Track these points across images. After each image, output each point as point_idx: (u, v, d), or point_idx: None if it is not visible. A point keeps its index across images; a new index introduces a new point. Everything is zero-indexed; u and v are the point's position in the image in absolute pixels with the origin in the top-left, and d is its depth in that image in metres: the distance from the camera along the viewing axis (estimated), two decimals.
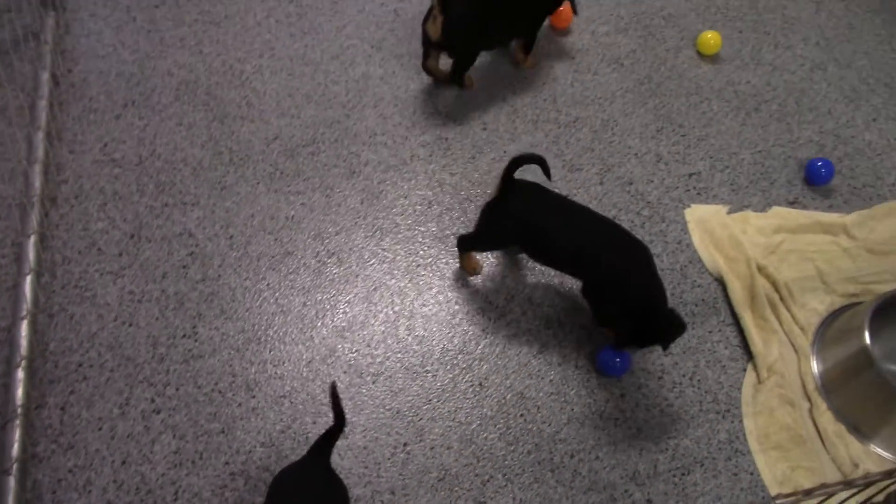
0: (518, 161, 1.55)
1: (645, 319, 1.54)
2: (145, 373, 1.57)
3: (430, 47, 1.94)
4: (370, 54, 2.11)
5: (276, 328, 1.65)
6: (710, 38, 2.16)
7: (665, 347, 1.55)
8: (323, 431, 1.32)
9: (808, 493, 0.77)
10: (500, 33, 1.99)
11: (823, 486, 0.76)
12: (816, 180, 1.95)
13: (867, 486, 0.83)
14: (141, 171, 1.84)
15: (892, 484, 0.87)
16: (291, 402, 1.56)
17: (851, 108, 2.14)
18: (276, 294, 1.69)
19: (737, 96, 2.12)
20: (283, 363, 1.61)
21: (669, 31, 2.25)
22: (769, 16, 2.33)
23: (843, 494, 1.24)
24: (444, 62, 2.00)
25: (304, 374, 1.60)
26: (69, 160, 1.84)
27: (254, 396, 1.57)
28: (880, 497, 0.88)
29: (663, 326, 1.53)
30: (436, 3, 1.81)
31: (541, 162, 1.56)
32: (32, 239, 1.64)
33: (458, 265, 1.76)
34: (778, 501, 0.78)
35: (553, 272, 1.75)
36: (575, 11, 2.07)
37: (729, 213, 1.89)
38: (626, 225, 1.84)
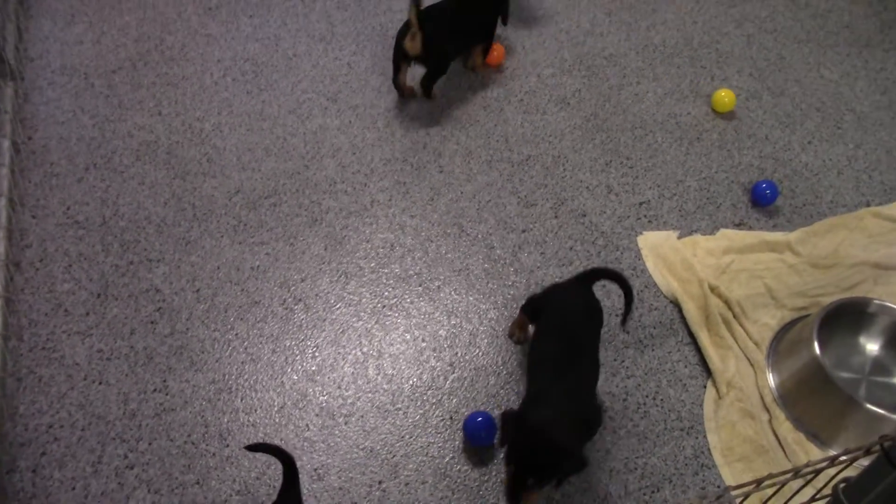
0: (599, 274, 1.64)
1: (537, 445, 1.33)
2: (117, 429, 1.58)
3: (402, 62, 2.12)
4: (326, 106, 2.18)
5: (246, 377, 1.67)
6: (724, 97, 2.25)
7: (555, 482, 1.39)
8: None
9: (759, 483, 0.82)
10: (468, 40, 2.22)
11: (771, 475, 0.81)
12: (763, 201, 2.04)
13: (815, 474, 0.88)
14: (105, 231, 1.87)
15: (839, 474, 0.93)
16: None
17: (787, 133, 2.25)
18: (245, 343, 1.72)
19: (679, 127, 2.23)
20: (255, 411, 1.63)
21: (611, 70, 2.36)
22: (704, 51, 2.46)
23: (794, 486, 1.29)
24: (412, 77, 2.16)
25: (277, 420, 1.62)
26: (32, 225, 1.86)
27: (227, 445, 1.58)
28: (828, 489, 0.93)
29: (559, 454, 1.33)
30: (413, 22, 1.98)
31: (624, 287, 1.63)
32: None
33: (423, 303, 1.81)
34: (732, 492, 0.82)
35: (514, 308, 1.81)
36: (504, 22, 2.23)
37: (679, 237, 1.97)
38: (582, 256, 1.91)
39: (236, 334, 1.73)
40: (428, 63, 2.12)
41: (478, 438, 1.59)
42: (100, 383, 1.64)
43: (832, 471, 0.93)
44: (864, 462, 0.82)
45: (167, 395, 1.64)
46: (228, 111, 2.14)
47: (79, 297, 1.76)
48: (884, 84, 2.42)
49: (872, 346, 1.77)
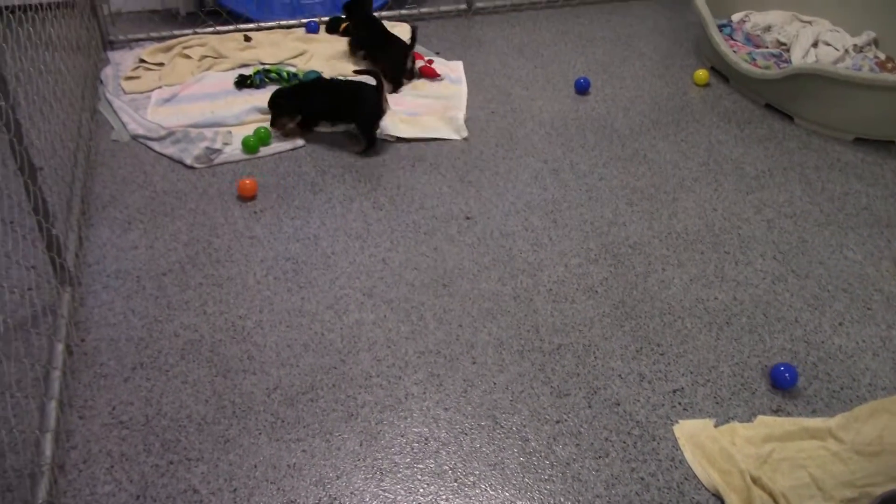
0: None
1: None
2: None
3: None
4: (362, 301, 2.27)
5: None
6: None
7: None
8: None
9: None
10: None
11: None
12: (783, 384, 2.03)
13: None
14: (147, 430, 1.91)
15: None
16: None
17: (817, 315, 2.27)
18: None
19: (707, 312, 2.27)
20: None
21: (636, 258, 2.44)
22: (726, 236, 2.54)
23: None
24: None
25: None
26: (79, 426, 1.92)
27: None
28: None
29: None
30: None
31: None
32: None
33: (458, 500, 1.79)
34: None
35: (542, 475, 1.78)
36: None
37: (716, 425, 1.95)
38: (618, 446, 1.90)
39: None
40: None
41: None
42: None
43: None
44: None
45: None
46: (269, 309, 2.24)
47: (119, 498, 1.78)
48: None
49: None
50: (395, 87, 3.33)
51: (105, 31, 3.54)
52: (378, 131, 2.96)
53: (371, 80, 2.91)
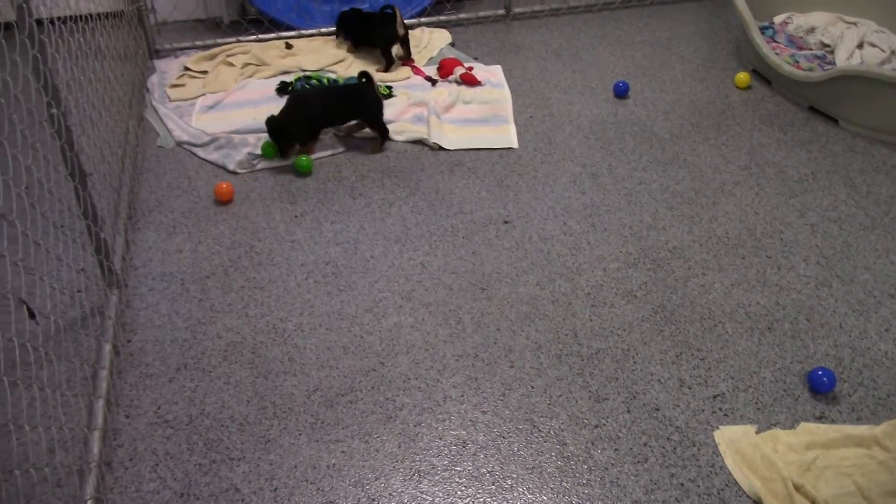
0: None
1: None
2: None
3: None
4: (401, 305, 2.29)
5: None
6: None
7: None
8: None
9: None
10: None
11: None
12: (821, 388, 2.01)
13: None
14: (191, 430, 1.95)
15: None
16: None
17: (862, 321, 2.23)
18: None
19: (749, 318, 2.24)
20: None
21: (676, 262, 2.42)
22: (768, 240, 2.51)
23: None
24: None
25: None
26: (125, 425, 1.97)
27: None
28: None
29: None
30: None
31: None
32: None
33: None
34: None
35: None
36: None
37: (757, 432, 1.93)
38: (658, 452, 1.88)
39: None
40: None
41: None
42: None
43: None
44: None
45: None
46: (310, 311, 2.27)
47: (163, 496, 1.82)
48: None
49: None
50: (387, 66, 3.56)
51: (151, 40, 3.63)
52: (431, 142, 3.00)
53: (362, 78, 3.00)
